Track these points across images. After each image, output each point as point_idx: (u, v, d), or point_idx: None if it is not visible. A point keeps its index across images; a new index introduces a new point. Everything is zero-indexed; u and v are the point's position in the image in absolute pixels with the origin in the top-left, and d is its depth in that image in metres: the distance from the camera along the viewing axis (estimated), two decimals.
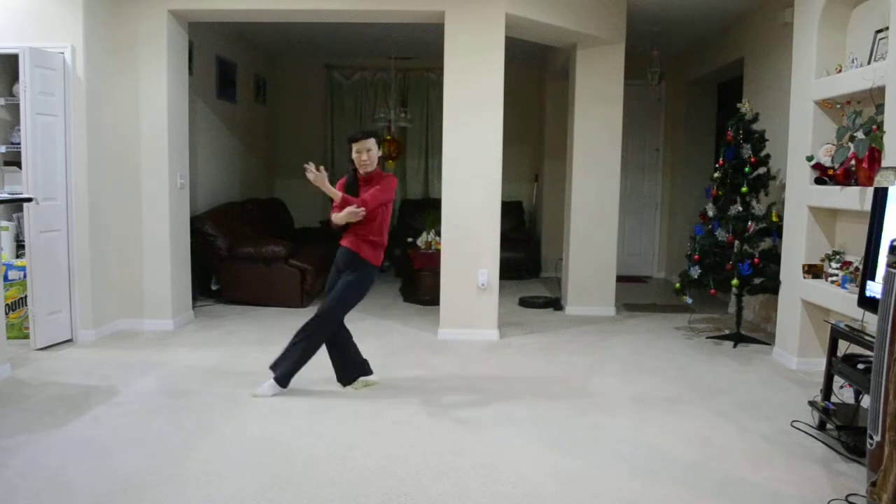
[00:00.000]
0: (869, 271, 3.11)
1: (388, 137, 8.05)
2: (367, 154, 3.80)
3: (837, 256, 4.24)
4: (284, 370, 3.83)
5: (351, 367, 4.02)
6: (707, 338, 5.34)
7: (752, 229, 4.98)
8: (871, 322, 3.08)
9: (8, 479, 2.76)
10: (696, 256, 5.15)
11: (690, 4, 5.86)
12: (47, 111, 4.61)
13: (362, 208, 3.73)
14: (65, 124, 4.74)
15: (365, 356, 4.09)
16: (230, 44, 7.24)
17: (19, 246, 4.96)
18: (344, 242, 3.91)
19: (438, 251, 5.53)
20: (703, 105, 7.92)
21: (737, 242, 5.01)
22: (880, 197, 3.10)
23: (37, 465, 2.90)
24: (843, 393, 3.65)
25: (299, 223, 8.51)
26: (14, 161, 4.85)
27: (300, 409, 3.64)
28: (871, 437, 2.45)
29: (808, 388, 4.02)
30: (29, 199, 4.45)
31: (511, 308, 6.36)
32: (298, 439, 3.23)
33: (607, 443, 3.26)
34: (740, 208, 5.02)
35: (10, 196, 4.58)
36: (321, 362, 4.49)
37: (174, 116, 5.26)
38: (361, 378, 4.04)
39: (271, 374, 3.85)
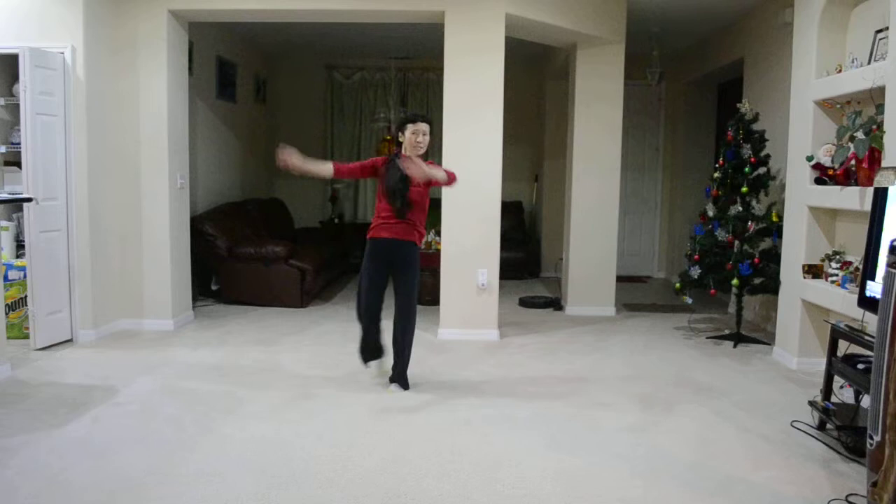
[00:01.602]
0: (869, 271, 3.11)
1: (388, 137, 8.05)
2: (422, 137, 3.83)
3: (837, 256, 4.24)
4: (405, 373, 3.99)
5: (376, 349, 4.07)
6: (707, 338, 5.34)
7: (752, 229, 4.98)
8: (871, 322, 3.08)
9: (8, 479, 2.76)
10: (696, 256, 5.14)
11: (690, 4, 5.86)
12: (47, 111, 4.61)
13: (451, 178, 3.84)
14: (65, 124, 4.74)
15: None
16: (230, 44, 7.24)
17: (19, 246, 4.96)
18: (396, 234, 3.84)
19: (438, 251, 5.53)
20: (703, 105, 7.92)
21: (737, 242, 5.00)
22: (880, 197, 3.10)
23: (37, 465, 2.90)
24: (843, 393, 3.66)
25: (299, 223, 8.51)
26: (14, 161, 4.85)
27: (300, 409, 3.64)
28: (871, 437, 2.45)
29: (808, 388, 4.02)
30: (29, 199, 4.45)
31: (511, 308, 6.36)
32: (298, 439, 3.23)
33: (607, 443, 3.26)
34: (740, 208, 5.02)
35: (10, 196, 4.58)
36: (322, 362, 4.50)
37: (174, 116, 5.26)
38: (375, 361, 4.11)
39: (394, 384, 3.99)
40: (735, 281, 4.97)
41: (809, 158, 4.34)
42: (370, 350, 4.05)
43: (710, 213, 5.20)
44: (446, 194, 5.19)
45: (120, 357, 4.56)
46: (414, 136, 3.82)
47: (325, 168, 3.80)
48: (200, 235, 6.04)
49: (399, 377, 3.99)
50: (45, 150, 4.60)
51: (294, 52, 8.42)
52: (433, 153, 8.46)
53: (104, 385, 3.96)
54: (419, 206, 3.87)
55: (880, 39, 3.92)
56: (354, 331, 4.08)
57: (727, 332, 5.44)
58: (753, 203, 5.04)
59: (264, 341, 5.02)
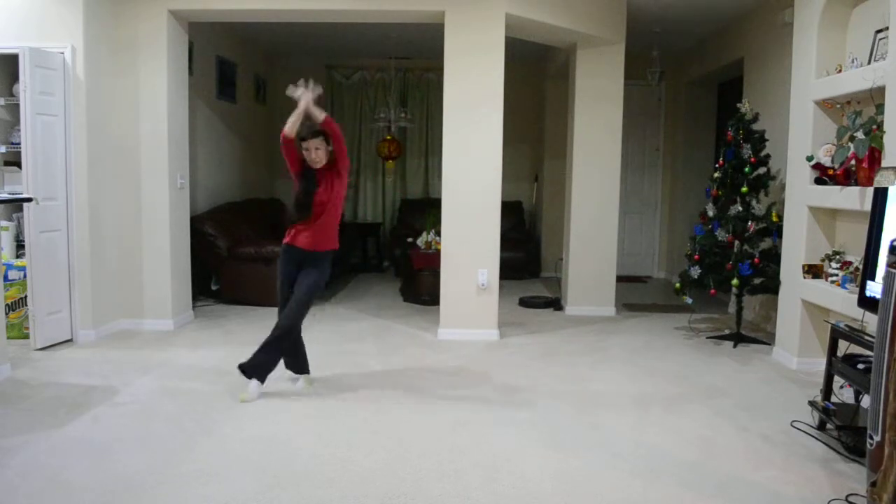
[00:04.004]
0: (869, 271, 3.11)
1: (389, 137, 8.05)
2: (315, 152, 3.89)
3: (837, 256, 4.24)
4: (265, 369, 3.80)
5: (303, 360, 4.02)
6: (707, 338, 5.34)
7: (752, 229, 4.98)
8: (871, 322, 3.08)
9: (8, 479, 2.76)
10: (696, 256, 5.15)
11: (690, 4, 5.86)
12: (47, 111, 4.61)
13: (330, 122, 3.88)
14: (65, 124, 4.74)
15: (364, 356, 4.10)
16: (230, 44, 7.24)
17: (19, 246, 4.95)
18: (304, 244, 3.84)
19: (438, 251, 5.53)
20: (703, 105, 7.92)
21: (737, 242, 5.00)
22: (880, 197, 3.10)
23: (37, 465, 2.90)
24: (843, 393, 3.66)
25: None
26: (14, 161, 4.85)
27: (300, 409, 3.64)
28: (871, 437, 2.45)
29: (808, 388, 4.02)
30: (29, 199, 4.45)
31: (511, 308, 6.36)
32: (298, 439, 3.23)
33: (607, 443, 3.26)
34: (740, 208, 5.02)
35: (10, 196, 4.58)
36: (322, 362, 4.49)
37: (174, 116, 5.26)
38: (307, 375, 4.04)
39: (251, 379, 3.78)
40: (735, 281, 4.97)
41: (809, 158, 4.34)
42: (297, 356, 4.01)
43: (710, 213, 5.20)
44: (446, 195, 5.20)
45: (120, 357, 4.56)
46: (308, 154, 3.90)
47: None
48: (200, 235, 6.04)
49: (253, 369, 3.79)
50: (45, 150, 4.60)
51: (294, 52, 8.41)
52: (434, 152, 8.54)
53: (104, 385, 3.96)
54: (328, 213, 3.87)
55: (880, 39, 3.92)
56: (353, 330, 4.09)
57: (727, 332, 5.44)
58: (753, 203, 5.04)
59: None
